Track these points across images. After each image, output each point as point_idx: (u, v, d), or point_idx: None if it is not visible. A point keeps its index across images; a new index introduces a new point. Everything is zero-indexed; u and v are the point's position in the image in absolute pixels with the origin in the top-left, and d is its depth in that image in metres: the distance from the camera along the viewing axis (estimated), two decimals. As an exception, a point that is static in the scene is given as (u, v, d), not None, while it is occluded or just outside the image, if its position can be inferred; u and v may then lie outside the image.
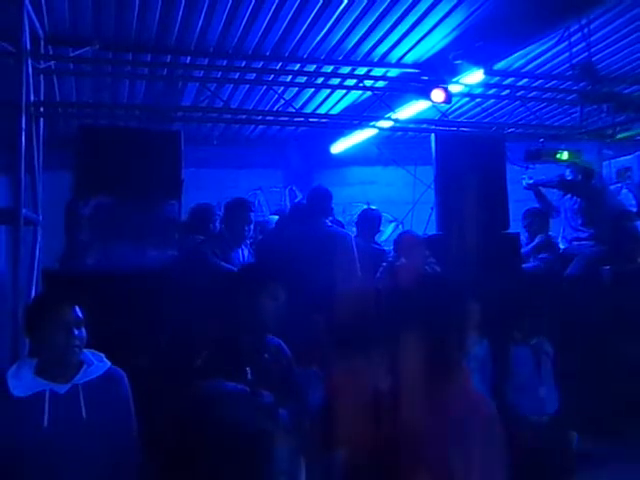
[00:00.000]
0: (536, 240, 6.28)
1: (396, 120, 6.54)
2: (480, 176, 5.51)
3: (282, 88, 6.77)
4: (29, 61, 4.94)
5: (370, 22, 5.65)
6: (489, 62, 6.03)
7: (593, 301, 5.25)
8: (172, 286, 4.10)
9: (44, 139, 5.32)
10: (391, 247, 5.34)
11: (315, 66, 6.55)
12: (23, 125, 4.76)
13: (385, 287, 4.32)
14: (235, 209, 4.84)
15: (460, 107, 8.07)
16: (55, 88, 6.19)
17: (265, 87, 7.03)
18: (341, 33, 5.87)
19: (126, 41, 5.80)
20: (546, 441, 4.17)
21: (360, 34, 5.90)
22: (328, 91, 7.41)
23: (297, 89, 7.14)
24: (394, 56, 6.48)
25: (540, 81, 7.19)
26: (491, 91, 7.12)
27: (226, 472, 2.40)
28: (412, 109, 6.97)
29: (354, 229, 6.08)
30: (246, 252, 4.93)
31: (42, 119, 5.36)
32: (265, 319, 2.90)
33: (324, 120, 7.07)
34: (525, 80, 7.15)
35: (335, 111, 8.18)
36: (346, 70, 6.66)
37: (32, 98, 5.06)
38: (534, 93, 7.22)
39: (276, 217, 6.14)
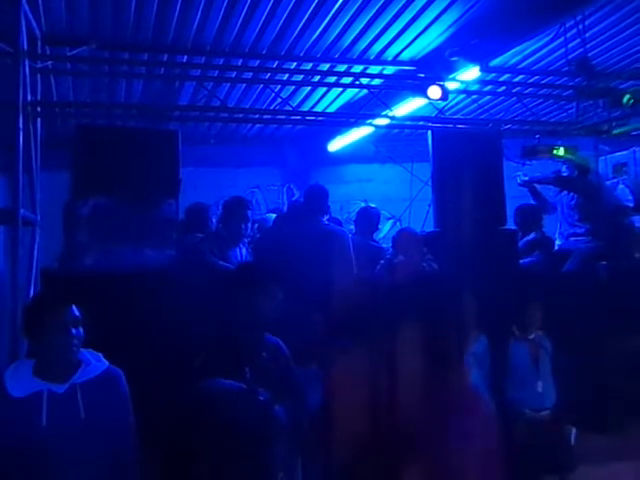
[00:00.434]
0: (530, 237, 6.25)
1: (393, 117, 6.54)
2: (477, 173, 5.52)
3: (279, 86, 6.77)
4: (26, 61, 4.95)
5: (366, 20, 5.66)
6: (485, 59, 6.04)
7: (590, 296, 5.25)
8: (170, 286, 4.11)
9: (42, 139, 5.32)
10: (389, 244, 5.36)
11: (312, 64, 6.55)
12: (21, 125, 4.77)
13: (383, 284, 4.33)
14: (233, 207, 4.84)
15: (456, 104, 8.07)
16: (52, 88, 6.18)
17: (262, 86, 7.04)
18: (337, 31, 5.88)
19: (123, 40, 5.81)
20: (544, 436, 4.19)
21: (356, 32, 5.91)
22: (325, 89, 7.42)
23: (294, 87, 7.15)
24: (390, 54, 6.49)
25: (536, 77, 7.17)
26: (487, 88, 7.12)
27: (224, 470, 2.41)
28: (409, 106, 6.98)
29: (352, 227, 6.09)
30: (244, 250, 4.93)
31: (39, 119, 5.36)
32: (263, 317, 2.91)
33: (321, 118, 7.09)
34: (521, 76, 7.16)
35: (332, 109, 8.18)
36: (342, 68, 6.67)
37: (29, 98, 5.07)
38: (530, 89, 7.24)
39: (273, 215, 6.14)
